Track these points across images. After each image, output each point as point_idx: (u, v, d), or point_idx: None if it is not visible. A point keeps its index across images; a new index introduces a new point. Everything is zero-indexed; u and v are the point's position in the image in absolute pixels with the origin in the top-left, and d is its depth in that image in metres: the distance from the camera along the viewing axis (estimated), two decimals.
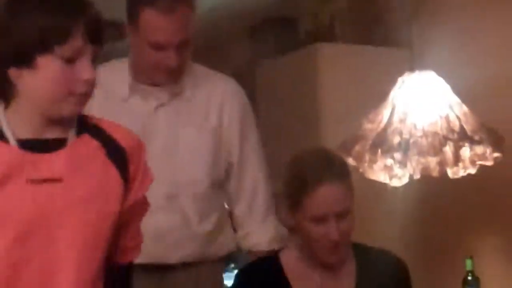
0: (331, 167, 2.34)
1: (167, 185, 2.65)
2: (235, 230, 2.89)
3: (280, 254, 2.46)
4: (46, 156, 1.83)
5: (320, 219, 2.30)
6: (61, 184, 1.82)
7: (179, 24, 2.59)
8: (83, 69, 1.80)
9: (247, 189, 2.83)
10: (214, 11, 4.69)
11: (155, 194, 2.62)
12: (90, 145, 1.89)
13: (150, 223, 2.62)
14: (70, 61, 1.78)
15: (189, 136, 2.70)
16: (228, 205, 2.90)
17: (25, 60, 1.77)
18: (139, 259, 2.22)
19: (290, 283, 2.39)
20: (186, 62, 2.69)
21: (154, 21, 2.57)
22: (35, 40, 1.76)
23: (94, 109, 2.44)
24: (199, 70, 2.79)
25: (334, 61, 4.05)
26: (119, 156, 1.91)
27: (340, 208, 2.30)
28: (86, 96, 1.85)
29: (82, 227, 1.83)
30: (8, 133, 1.82)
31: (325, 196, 2.29)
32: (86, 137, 1.89)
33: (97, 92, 2.02)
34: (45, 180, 1.80)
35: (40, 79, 1.78)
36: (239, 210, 2.84)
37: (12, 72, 1.79)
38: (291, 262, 2.43)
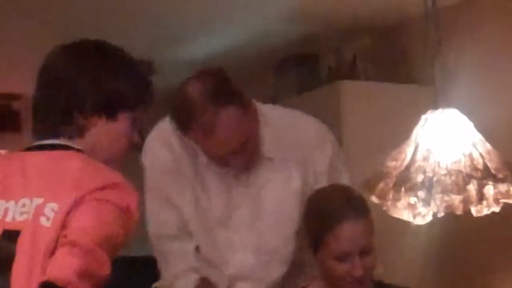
0: (352, 205, 2.35)
1: (254, 254, 2.58)
2: None
3: None
4: None
5: (344, 257, 2.30)
6: None
7: (232, 134, 2.39)
8: (135, 131, 1.97)
9: None
10: (237, 49, 4.72)
11: (242, 262, 2.60)
12: None
13: None
14: (134, 121, 1.95)
15: (273, 200, 2.57)
16: None
17: (112, 111, 1.91)
18: None
19: None
20: (258, 149, 2.52)
21: (201, 142, 2.43)
22: (130, 97, 1.93)
23: (186, 165, 2.49)
24: (277, 118, 2.62)
25: (357, 99, 4.06)
26: None
27: (363, 245, 2.31)
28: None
29: None
30: None
31: (348, 234, 2.30)
32: None
33: (185, 151, 2.24)
34: None
35: (114, 131, 1.92)
36: None
37: (93, 119, 1.90)
38: None
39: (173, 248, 2.62)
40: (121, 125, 1.93)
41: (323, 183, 2.56)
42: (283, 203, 2.56)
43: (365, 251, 2.31)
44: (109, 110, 1.91)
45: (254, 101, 2.55)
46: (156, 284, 2.66)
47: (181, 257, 2.61)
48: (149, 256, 2.76)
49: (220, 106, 2.34)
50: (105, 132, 1.92)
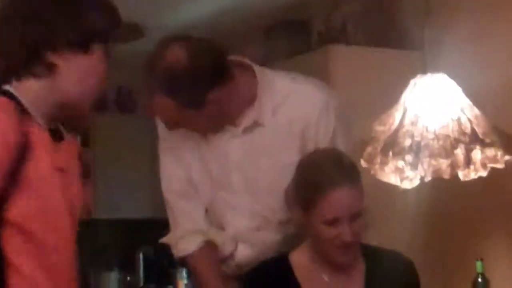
0: (342, 170, 2.35)
1: (248, 218, 2.60)
2: None
3: (290, 255, 2.47)
4: (57, 145, 1.87)
5: (333, 222, 2.31)
6: (65, 174, 1.86)
7: (160, 115, 2.53)
8: (106, 70, 1.91)
9: None
10: (228, 13, 4.71)
11: (239, 225, 2.63)
12: (71, 139, 1.95)
13: (233, 254, 2.64)
14: (105, 55, 1.89)
15: (268, 168, 2.55)
16: None
17: (85, 43, 1.84)
18: None
19: (300, 284, 2.41)
20: (208, 118, 2.50)
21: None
22: (102, 26, 1.86)
23: (179, 132, 2.52)
24: (280, 84, 2.57)
25: (346, 63, 4.06)
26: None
27: (352, 211, 2.32)
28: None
29: None
30: (38, 119, 1.83)
31: (338, 200, 2.31)
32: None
33: None
34: (60, 169, 1.85)
35: (85, 66, 1.85)
36: None
37: (66, 54, 1.83)
38: (301, 263, 2.44)
39: (182, 206, 2.64)
40: (93, 59, 1.86)
41: None
42: (279, 173, 2.52)
43: (354, 216, 2.32)
44: (83, 43, 1.84)
45: (254, 66, 2.56)
46: (161, 240, 2.69)
47: (189, 217, 2.63)
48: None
49: (159, 91, 2.40)
50: (76, 68, 1.85)
